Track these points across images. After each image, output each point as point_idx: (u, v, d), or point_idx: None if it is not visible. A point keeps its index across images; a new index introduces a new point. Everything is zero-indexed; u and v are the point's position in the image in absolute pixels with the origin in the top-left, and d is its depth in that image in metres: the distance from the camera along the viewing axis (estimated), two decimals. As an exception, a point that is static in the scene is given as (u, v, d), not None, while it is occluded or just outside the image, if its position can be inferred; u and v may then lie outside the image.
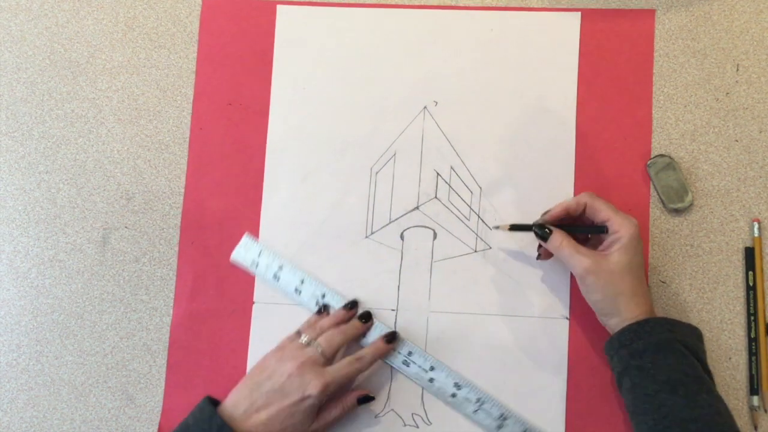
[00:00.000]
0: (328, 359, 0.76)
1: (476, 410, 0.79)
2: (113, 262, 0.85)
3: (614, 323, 0.74)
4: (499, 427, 0.78)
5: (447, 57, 0.85)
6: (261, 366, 0.76)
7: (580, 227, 0.78)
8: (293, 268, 0.83)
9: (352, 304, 0.81)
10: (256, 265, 0.83)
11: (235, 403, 0.74)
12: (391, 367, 0.80)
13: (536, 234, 0.77)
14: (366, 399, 0.78)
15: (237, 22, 0.87)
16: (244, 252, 0.83)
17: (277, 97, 0.86)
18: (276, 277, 0.83)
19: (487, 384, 0.79)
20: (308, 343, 0.77)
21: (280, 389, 0.73)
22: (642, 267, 0.74)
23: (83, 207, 0.86)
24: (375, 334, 0.80)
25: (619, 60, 0.84)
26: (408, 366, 0.80)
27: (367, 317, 0.80)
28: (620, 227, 0.73)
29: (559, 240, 0.75)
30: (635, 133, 0.82)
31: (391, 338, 0.79)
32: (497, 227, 0.80)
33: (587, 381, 0.79)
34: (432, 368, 0.80)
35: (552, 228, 0.76)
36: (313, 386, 0.73)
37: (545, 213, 0.77)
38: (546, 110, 0.83)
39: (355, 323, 0.80)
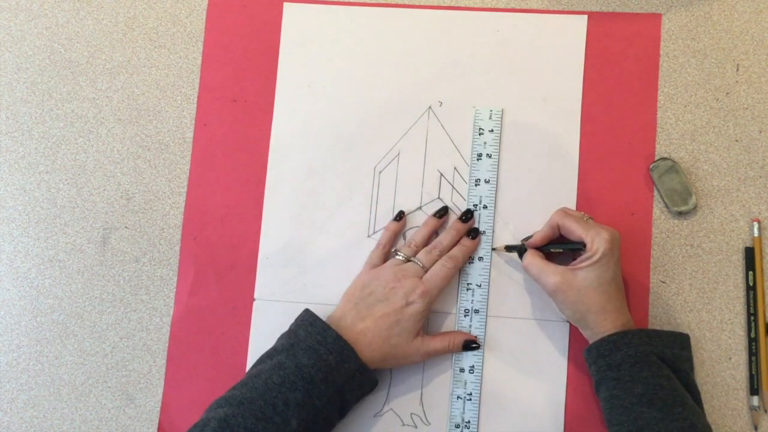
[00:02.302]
0: (427, 271, 0.78)
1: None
2: (113, 262, 0.85)
3: (588, 335, 0.75)
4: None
5: (452, 58, 0.85)
6: (361, 284, 0.78)
7: (557, 245, 0.78)
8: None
9: (443, 212, 0.82)
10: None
11: (341, 315, 0.77)
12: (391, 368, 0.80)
13: (518, 254, 0.79)
14: (472, 345, 0.79)
15: (243, 18, 0.87)
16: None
17: (282, 95, 0.86)
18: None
19: (487, 385, 0.79)
20: (407, 260, 0.79)
21: (385, 299, 0.76)
22: (614, 281, 0.73)
23: (83, 207, 0.86)
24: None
25: (625, 63, 0.84)
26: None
27: (470, 215, 0.81)
28: (592, 244, 0.73)
29: (527, 260, 0.77)
30: (639, 136, 0.82)
31: (475, 234, 0.81)
32: (494, 249, 0.81)
33: (587, 384, 0.79)
34: (472, 368, 0.80)
35: (526, 247, 0.78)
36: (415, 294, 0.76)
37: (526, 239, 0.79)
38: (551, 112, 0.83)
39: (455, 227, 0.81)
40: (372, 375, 0.75)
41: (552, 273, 0.74)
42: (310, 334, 0.74)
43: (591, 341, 0.74)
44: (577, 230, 0.74)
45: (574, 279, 0.73)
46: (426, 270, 0.78)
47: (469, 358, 0.80)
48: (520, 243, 0.80)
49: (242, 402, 0.70)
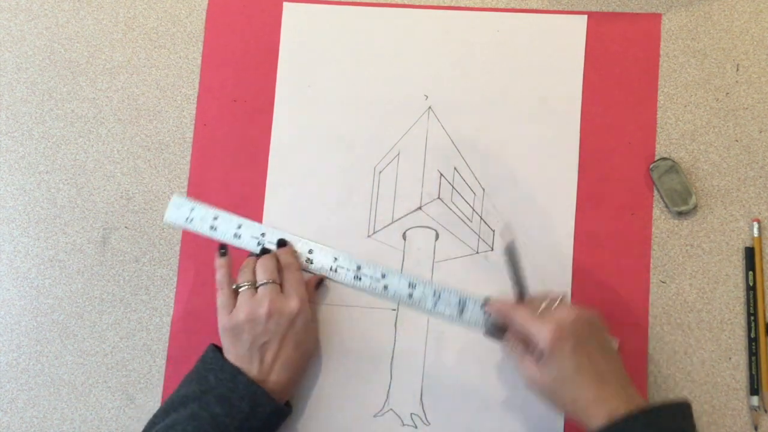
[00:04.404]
0: (279, 284, 0.77)
1: (436, 303, 0.80)
2: (113, 262, 0.85)
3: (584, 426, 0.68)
4: (462, 311, 0.80)
5: (453, 57, 0.85)
6: (233, 337, 0.74)
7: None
8: (229, 215, 0.84)
9: (281, 243, 0.82)
10: (191, 221, 0.84)
11: (241, 366, 0.73)
12: (391, 366, 0.80)
13: (491, 331, 0.77)
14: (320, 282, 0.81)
15: (243, 18, 0.87)
16: (176, 211, 0.84)
17: (282, 95, 0.86)
18: (213, 228, 0.83)
19: (487, 385, 0.79)
20: (253, 287, 0.76)
21: (272, 335, 0.74)
22: (584, 366, 0.67)
23: (83, 207, 0.86)
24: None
25: (625, 63, 0.84)
26: (360, 280, 0.81)
27: (281, 243, 0.82)
28: (536, 338, 0.69)
29: (508, 348, 0.74)
30: (639, 136, 0.82)
31: (282, 243, 0.81)
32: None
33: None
34: (383, 275, 0.81)
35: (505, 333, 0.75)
36: (290, 310, 0.74)
37: (486, 303, 0.77)
38: (550, 112, 0.83)
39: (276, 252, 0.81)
40: (285, 409, 0.74)
41: (521, 369, 0.71)
42: (221, 380, 0.72)
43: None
44: (522, 325, 0.71)
45: (541, 377, 0.69)
46: (275, 283, 0.76)
47: (377, 274, 0.81)
48: (491, 324, 0.77)
49: None
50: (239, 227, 0.83)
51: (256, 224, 0.83)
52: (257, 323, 0.74)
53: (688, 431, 0.66)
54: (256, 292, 0.76)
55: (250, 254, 0.81)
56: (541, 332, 0.68)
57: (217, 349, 0.75)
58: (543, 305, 0.72)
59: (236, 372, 0.72)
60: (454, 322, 0.80)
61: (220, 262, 0.79)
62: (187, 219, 0.84)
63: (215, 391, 0.71)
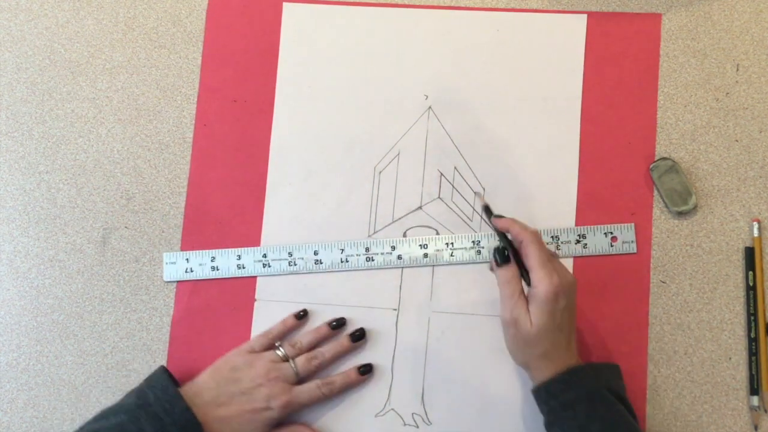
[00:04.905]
0: (301, 379, 0.77)
1: (452, 253, 0.81)
2: (113, 262, 0.85)
3: (529, 376, 0.73)
4: (479, 252, 0.81)
5: (453, 57, 0.85)
6: (231, 364, 0.76)
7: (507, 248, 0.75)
8: (224, 250, 0.83)
9: (339, 323, 0.80)
10: (192, 271, 0.83)
11: (198, 391, 0.73)
12: (392, 366, 0.80)
13: (495, 252, 0.73)
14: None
15: (243, 18, 0.87)
16: (172, 267, 0.83)
17: (282, 95, 0.86)
18: (215, 268, 0.83)
19: (487, 385, 0.79)
20: (285, 359, 0.77)
21: (247, 394, 0.74)
22: (564, 325, 0.70)
23: (83, 207, 0.86)
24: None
25: (625, 63, 0.84)
26: (373, 260, 0.82)
27: (360, 336, 0.80)
28: (538, 283, 0.69)
29: (507, 276, 0.71)
30: (639, 136, 0.83)
31: (366, 370, 0.79)
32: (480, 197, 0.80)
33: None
34: (393, 247, 0.82)
35: (510, 257, 0.72)
36: (277, 401, 0.74)
37: (490, 212, 0.76)
38: (550, 112, 0.83)
39: (342, 343, 0.79)
40: None
41: (508, 308, 0.70)
42: (159, 400, 0.71)
43: (534, 382, 0.72)
44: (531, 260, 0.70)
45: (524, 324, 0.69)
46: (299, 376, 0.76)
47: (386, 249, 0.82)
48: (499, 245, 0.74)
49: None
50: (239, 257, 0.83)
51: (254, 248, 0.83)
52: (251, 380, 0.74)
53: (623, 386, 0.72)
54: (283, 362, 0.77)
55: (331, 323, 0.80)
56: (544, 281, 0.69)
57: (167, 372, 0.75)
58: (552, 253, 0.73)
59: (177, 397, 0.71)
60: (474, 263, 0.81)
61: (288, 320, 0.80)
62: (186, 270, 0.83)
63: (150, 408, 0.70)
